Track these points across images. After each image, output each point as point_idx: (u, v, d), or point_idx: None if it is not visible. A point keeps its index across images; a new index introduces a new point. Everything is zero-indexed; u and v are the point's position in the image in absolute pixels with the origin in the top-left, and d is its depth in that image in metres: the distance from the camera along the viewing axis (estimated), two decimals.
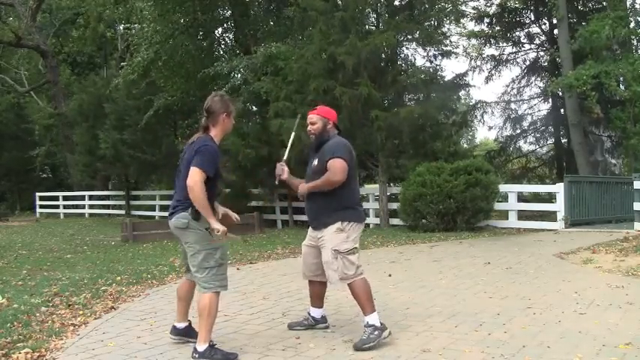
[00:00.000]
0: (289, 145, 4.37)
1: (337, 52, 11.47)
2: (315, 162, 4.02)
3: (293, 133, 4.45)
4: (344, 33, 11.84)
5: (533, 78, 20.68)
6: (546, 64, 19.71)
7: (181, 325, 3.93)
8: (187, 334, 3.92)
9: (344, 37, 11.72)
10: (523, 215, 12.33)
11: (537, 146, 21.16)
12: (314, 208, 4.03)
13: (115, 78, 17.07)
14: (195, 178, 3.49)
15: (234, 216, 3.88)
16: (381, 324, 3.77)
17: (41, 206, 24.46)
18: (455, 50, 15.25)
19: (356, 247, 3.91)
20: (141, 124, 15.67)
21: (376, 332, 3.71)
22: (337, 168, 3.86)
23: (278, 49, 12.63)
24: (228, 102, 3.77)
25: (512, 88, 20.78)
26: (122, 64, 16.07)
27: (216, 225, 3.50)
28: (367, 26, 13.30)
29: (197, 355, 3.55)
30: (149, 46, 15.01)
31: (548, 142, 20.97)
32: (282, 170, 4.12)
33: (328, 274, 3.93)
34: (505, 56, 20.44)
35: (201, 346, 3.55)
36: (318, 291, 4.21)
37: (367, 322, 3.76)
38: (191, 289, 3.88)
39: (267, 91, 12.78)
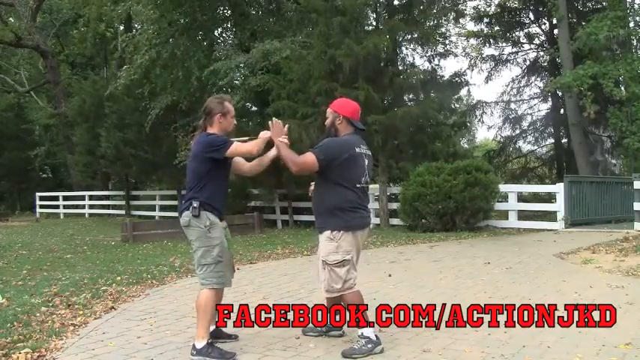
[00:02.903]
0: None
1: (336, 54, 11.47)
2: None
3: None
4: (343, 34, 11.84)
5: (533, 78, 20.73)
6: (546, 64, 19.73)
7: (211, 327, 3.89)
8: (216, 335, 3.89)
9: (343, 38, 11.71)
10: (523, 215, 12.32)
11: (537, 146, 21.21)
12: (313, 208, 3.90)
13: (115, 80, 17.01)
14: (232, 150, 3.76)
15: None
16: (377, 337, 3.62)
17: (41, 206, 24.45)
18: (454, 50, 15.28)
19: (346, 259, 3.65)
20: (147, 126, 15.62)
21: (369, 345, 3.55)
22: (302, 159, 3.70)
23: (275, 47, 12.59)
24: (224, 103, 3.91)
25: (512, 88, 20.88)
26: (125, 67, 16.02)
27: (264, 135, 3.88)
28: (367, 27, 13.27)
29: (195, 352, 3.57)
30: (149, 48, 14.97)
31: (547, 142, 21.00)
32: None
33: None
34: (505, 56, 20.51)
35: (199, 343, 3.57)
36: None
37: (362, 334, 3.61)
38: None
39: (269, 88, 12.71)
